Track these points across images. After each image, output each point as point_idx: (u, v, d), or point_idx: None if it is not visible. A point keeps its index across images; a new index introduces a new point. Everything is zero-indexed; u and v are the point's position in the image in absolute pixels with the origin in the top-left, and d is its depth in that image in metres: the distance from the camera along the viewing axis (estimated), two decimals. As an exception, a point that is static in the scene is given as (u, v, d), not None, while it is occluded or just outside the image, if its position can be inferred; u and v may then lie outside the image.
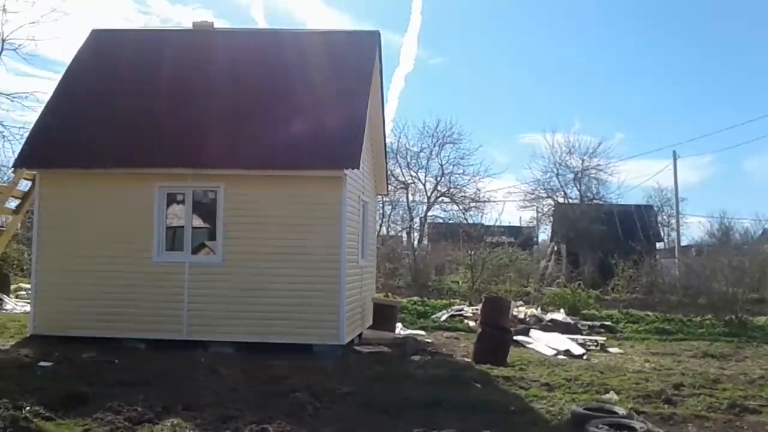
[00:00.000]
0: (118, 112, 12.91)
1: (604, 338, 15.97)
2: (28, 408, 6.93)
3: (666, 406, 8.86)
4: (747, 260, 22.76)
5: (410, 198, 35.18)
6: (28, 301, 17.30)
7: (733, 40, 72.59)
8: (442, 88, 69.90)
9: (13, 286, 19.27)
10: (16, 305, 16.80)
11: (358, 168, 12.26)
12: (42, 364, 9.88)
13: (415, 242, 35.40)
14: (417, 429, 6.85)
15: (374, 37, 14.23)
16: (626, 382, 10.25)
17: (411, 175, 34.91)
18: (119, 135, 12.56)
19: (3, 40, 12.45)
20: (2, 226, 15.27)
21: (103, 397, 7.76)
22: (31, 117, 12.89)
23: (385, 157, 16.27)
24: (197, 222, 12.66)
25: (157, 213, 12.17)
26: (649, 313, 20.60)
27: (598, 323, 18.36)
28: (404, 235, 36.10)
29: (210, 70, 13.61)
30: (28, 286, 20.02)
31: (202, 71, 13.59)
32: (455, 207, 36.58)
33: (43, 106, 13.06)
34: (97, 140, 12.51)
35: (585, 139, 44.94)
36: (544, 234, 45.89)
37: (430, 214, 36.31)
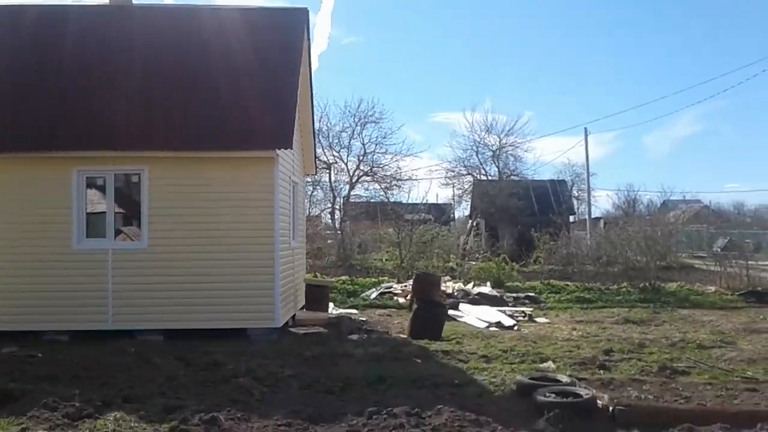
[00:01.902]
0: (29, 94, 12.09)
1: (531, 309, 16.43)
2: (-47, 410, 6.46)
3: (601, 371, 9.21)
4: (658, 230, 23.88)
5: (333, 178, 34.91)
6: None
7: (637, 21, 75.76)
8: (356, 68, 69.86)
9: None
10: None
11: (291, 148, 12.02)
12: (-42, 362, 9.23)
13: (337, 222, 35.29)
14: (370, 408, 6.79)
15: (302, 14, 13.84)
16: (559, 351, 10.59)
17: (333, 155, 34.60)
18: (33, 117, 11.80)
19: None
20: None
21: (32, 393, 7.33)
22: None
23: (314, 137, 16.03)
24: (118, 207, 12.11)
25: (76, 198, 11.56)
26: (569, 283, 21.40)
27: (522, 295, 18.87)
28: (327, 214, 35.90)
29: (130, 47, 12.85)
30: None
31: (122, 48, 12.83)
32: (377, 186, 36.70)
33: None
34: (9, 123, 11.73)
35: (501, 118, 45.94)
36: (459, 211, 46.79)
37: (352, 193, 36.22)
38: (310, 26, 14.03)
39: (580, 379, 8.29)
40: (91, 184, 11.95)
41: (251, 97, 12.24)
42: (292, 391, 8.03)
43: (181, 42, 13.20)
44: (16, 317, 11.34)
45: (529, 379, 7.78)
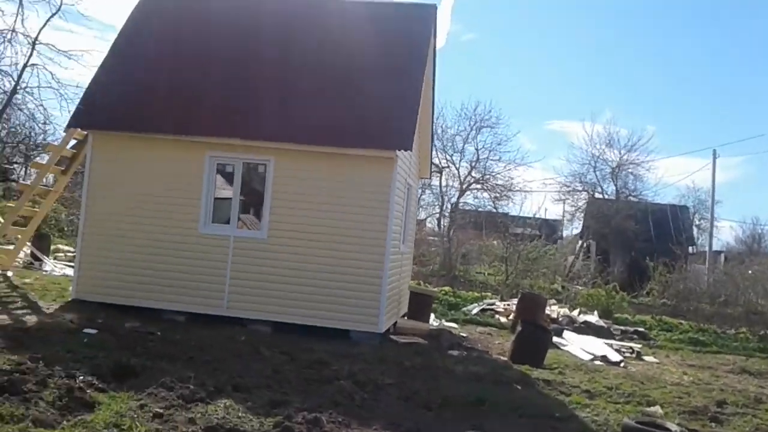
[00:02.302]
0: (171, 77, 12.82)
1: (639, 345, 15.75)
2: (81, 378, 6.96)
3: (713, 424, 8.71)
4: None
5: (443, 182, 34.60)
6: (67, 263, 17.60)
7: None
8: (473, 67, 68.54)
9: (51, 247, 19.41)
10: (55, 267, 16.91)
11: (411, 150, 12.03)
12: (87, 330, 9.95)
13: (444, 229, 35.10)
14: (468, 431, 6.76)
15: (431, 10, 13.82)
16: (668, 395, 10.10)
17: (446, 159, 34.23)
18: (172, 101, 12.47)
19: None
20: (49, 186, 15.33)
21: (151, 370, 7.79)
22: (87, 78, 12.71)
23: (432, 140, 15.97)
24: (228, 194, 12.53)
25: (207, 183, 12.09)
26: (683, 321, 20.35)
27: (631, 329, 18.13)
28: (434, 220, 35.77)
29: (263, 38, 13.32)
30: (67, 248, 20.34)
31: (256, 39, 13.33)
32: (486, 195, 36.07)
33: (97, 67, 12.96)
34: (150, 105, 12.45)
35: (622, 132, 43.75)
36: (568, 229, 45.23)
37: (461, 200, 35.78)
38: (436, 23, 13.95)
39: (689, 430, 7.89)
40: (219, 170, 12.45)
41: (375, 95, 12.33)
42: (392, 401, 8.10)
43: (312, 36, 13.53)
44: (139, 293, 11.98)
45: (636, 422, 7.46)
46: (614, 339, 16.35)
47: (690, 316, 21.27)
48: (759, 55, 72.80)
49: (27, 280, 14.09)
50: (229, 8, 14.11)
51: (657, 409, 9.06)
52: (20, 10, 11.92)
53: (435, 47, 14.14)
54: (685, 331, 18.90)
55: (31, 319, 10.36)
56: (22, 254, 16.12)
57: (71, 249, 20.08)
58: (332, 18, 13.79)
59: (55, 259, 18.19)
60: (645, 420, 7.75)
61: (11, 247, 15.22)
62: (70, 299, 12.22)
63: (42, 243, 17.40)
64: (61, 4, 12.25)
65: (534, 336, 11.89)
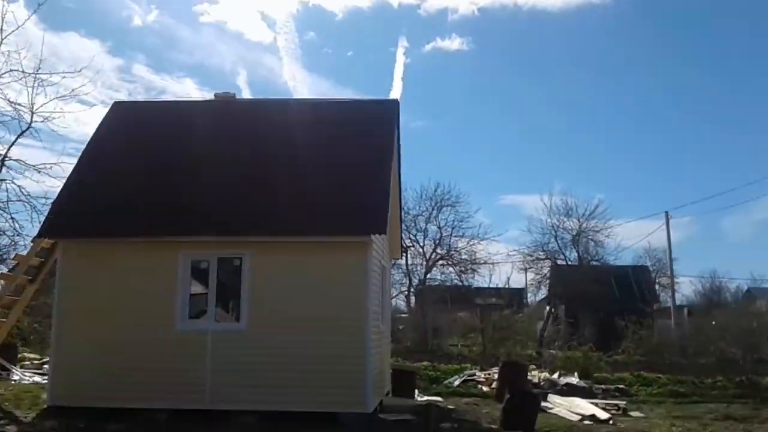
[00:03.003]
0: (142, 181, 12.99)
1: (623, 402, 15.84)
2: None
3: (712, 471, 8.78)
4: (753, 321, 22.85)
5: (409, 261, 35.06)
6: (35, 371, 17.04)
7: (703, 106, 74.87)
8: (424, 151, 71.28)
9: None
10: (23, 375, 16.37)
11: (385, 233, 12.30)
12: (69, 437, 9.61)
13: (413, 306, 35.22)
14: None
15: (393, 105, 14.54)
16: (663, 447, 10.16)
17: (410, 238, 34.87)
18: (143, 204, 12.58)
19: (32, 112, 12.49)
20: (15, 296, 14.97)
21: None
22: (56, 189, 12.73)
23: (401, 223, 16.35)
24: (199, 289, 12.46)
25: (182, 281, 12.07)
26: (660, 375, 20.56)
27: (612, 387, 18.27)
28: (403, 297, 35.92)
29: (232, 139, 13.79)
30: (32, 355, 19.73)
31: (225, 140, 13.76)
32: (451, 269, 36.55)
33: (66, 177, 13.03)
34: (120, 210, 12.50)
35: (580, 202, 45.14)
36: (537, 296, 45.71)
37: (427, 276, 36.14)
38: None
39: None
40: (193, 266, 12.39)
41: (347, 185, 12.71)
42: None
43: (281, 133, 14.01)
44: (117, 394, 11.61)
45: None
46: (597, 398, 16.44)
47: (665, 369, 21.51)
48: (704, 116, 76.72)
49: (-2, 391, 13.59)
50: (201, 114, 14.52)
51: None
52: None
53: (399, 137, 14.80)
54: (664, 385, 19.13)
55: (12, 429, 9.97)
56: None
57: (37, 357, 19.51)
58: (302, 117, 14.36)
59: (22, 367, 17.64)
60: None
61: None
62: (45, 406, 11.81)
63: (9, 353, 16.89)
64: (30, 123, 12.40)
65: (523, 402, 11.88)
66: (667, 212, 37.89)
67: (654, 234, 69.45)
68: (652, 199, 75.58)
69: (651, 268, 45.28)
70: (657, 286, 44.16)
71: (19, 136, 12.67)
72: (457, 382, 18.43)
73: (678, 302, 40.64)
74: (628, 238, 69.38)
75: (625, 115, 77.88)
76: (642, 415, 14.54)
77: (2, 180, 12.37)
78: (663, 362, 22.48)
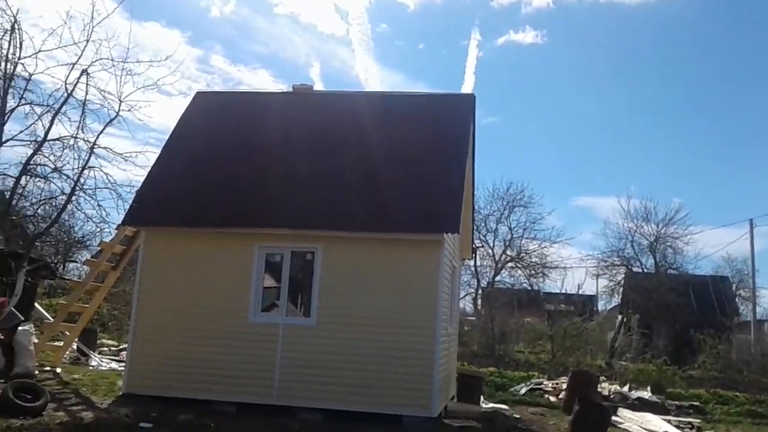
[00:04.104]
0: (221, 171, 13.27)
1: (698, 420, 15.23)
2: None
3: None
4: None
5: (478, 262, 34.59)
6: (112, 357, 17.71)
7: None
8: (494, 148, 70.17)
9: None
10: (101, 361, 17.02)
11: (458, 232, 12.15)
12: (143, 425, 9.94)
13: (480, 309, 34.79)
14: None
15: (469, 99, 14.36)
16: (740, 473, 9.71)
17: (480, 239, 34.35)
18: (222, 195, 12.84)
19: (120, 101, 12.93)
20: (98, 282, 15.61)
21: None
22: (140, 177, 13.14)
23: (473, 222, 16.12)
24: (270, 282, 12.58)
25: (256, 273, 12.25)
26: (738, 393, 19.68)
27: (686, 403, 17.59)
28: (470, 300, 35.55)
29: (309, 131, 13.92)
30: (111, 342, 20.51)
31: (302, 132, 13.90)
32: (521, 272, 35.89)
33: (150, 167, 13.45)
34: (201, 200, 12.81)
35: (660, 206, 43.41)
36: (609, 303, 44.38)
37: (495, 279, 35.62)
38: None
39: None
40: (268, 260, 12.59)
41: (421, 181, 12.61)
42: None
43: (356, 126, 14.07)
44: (190, 385, 11.93)
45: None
46: (670, 414, 15.88)
47: (744, 387, 20.58)
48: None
49: (76, 376, 14.19)
50: (280, 106, 14.74)
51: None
52: (82, 117, 12.56)
53: (474, 133, 14.56)
54: (741, 404, 18.29)
55: (88, 415, 10.38)
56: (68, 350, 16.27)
57: (115, 343, 20.25)
58: (376, 109, 14.37)
59: (100, 353, 18.31)
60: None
61: (60, 343, 15.38)
62: (120, 393, 12.24)
63: (88, 338, 17.55)
64: (118, 111, 12.83)
65: (593, 415, 11.56)
66: (751, 220, 36.04)
67: (736, 243, 66.86)
68: (736, 206, 71.96)
69: (731, 279, 43.37)
70: (737, 299, 42.21)
71: (107, 125, 13.14)
72: (523, 390, 18.11)
73: (759, 316, 38.78)
74: (708, 246, 66.64)
75: (708, 116, 74.73)
76: (718, 435, 13.95)
77: (91, 167, 12.86)
78: (742, 379, 21.51)
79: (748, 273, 38.82)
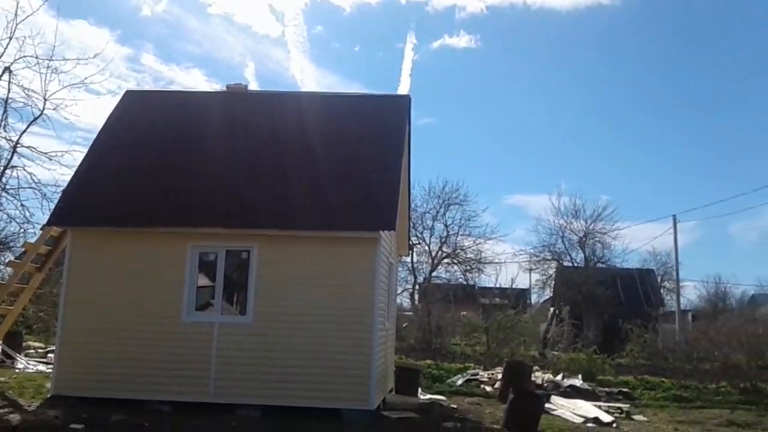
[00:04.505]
0: (152, 171, 12.99)
1: (627, 405, 15.81)
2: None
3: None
4: (759, 327, 22.75)
5: (414, 259, 35.04)
6: (39, 359, 17.09)
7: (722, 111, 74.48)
8: (432, 148, 71.39)
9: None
10: (28, 364, 16.42)
11: (395, 229, 12.25)
12: (73, 426, 9.65)
13: (417, 304, 35.20)
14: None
15: (405, 100, 14.51)
16: (666, 452, 10.14)
17: (416, 236, 34.81)
18: (153, 194, 12.58)
19: (45, 99, 12.47)
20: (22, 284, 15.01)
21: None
22: (66, 177, 12.75)
23: (409, 219, 16.30)
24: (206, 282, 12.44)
25: (189, 273, 12.05)
26: (664, 379, 20.52)
27: (615, 390, 18.23)
28: (407, 296, 35.92)
29: (243, 130, 13.78)
30: (37, 344, 19.79)
31: (236, 132, 13.76)
32: (457, 268, 36.57)
33: (77, 166, 13.03)
34: (131, 199, 12.51)
35: (589, 203, 45.04)
36: (541, 297, 45.64)
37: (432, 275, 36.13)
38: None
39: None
40: (201, 258, 12.39)
41: (358, 180, 12.69)
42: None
43: (291, 126, 13.97)
44: (121, 385, 11.64)
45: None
46: (600, 400, 16.41)
47: (669, 373, 21.46)
48: (716, 119, 76.28)
49: (1, 379, 13.69)
50: (213, 105, 14.51)
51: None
52: (4, 116, 12.04)
53: (410, 133, 14.73)
54: (668, 389, 19.07)
55: (15, 417, 10.01)
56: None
57: (42, 345, 19.57)
58: (312, 109, 14.35)
59: (26, 356, 17.68)
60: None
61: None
62: (49, 395, 11.83)
63: (14, 341, 16.93)
64: (42, 110, 12.37)
65: (526, 403, 11.86)
66: (674, 216, 37.76)
67: (661, 238, 69.76)
68: (661, 202, 75.23)
69: (657, 272, 45.16)
70: (662, 290, 44.02)
71: (31, 123, 12.71)
72: (460, 381, 18.41)
73: (683, 306, 40.52)
74: (635, 241, 69.34)
75: (634, 116, 77.62)
76: (645, 419, 14.51)
77: (14, 167, 12.37)
78: (667, 366, 22.43)
79: (673, 266, 40.58)
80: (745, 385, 19.64)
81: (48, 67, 12.38)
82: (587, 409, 14.16)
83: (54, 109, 12.58)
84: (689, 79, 76.66)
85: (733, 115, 75.10)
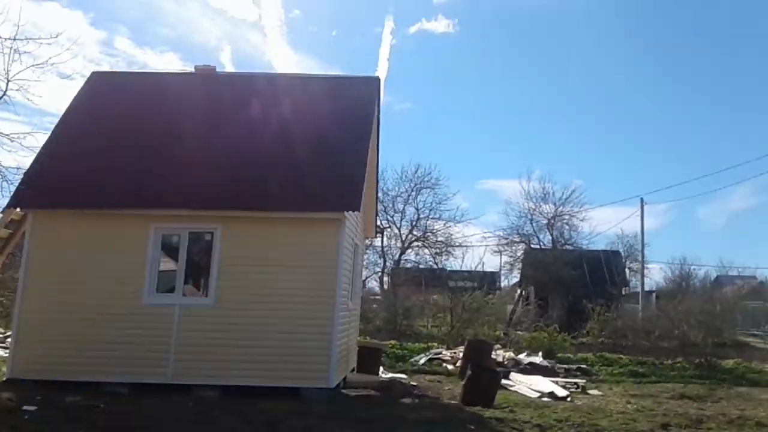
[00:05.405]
0: (116, 152, 12.94)
1: (583, 381, 16.23)
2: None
3: (659, 446, 9.08)
4: (717, 306, 23.37)
5: (385, 242, 35.23)
6: (-1, 344, 16.93)
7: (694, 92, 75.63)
8: (408, 133, 71.44)
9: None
10: (-14, 348, 16.28)
11: (360, 211, 12.33)
12: (26, 408, 9.63)
13: (386, 286, 35.46)
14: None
15: (374, 82, 14.59)
16: (615, 423, 10.49)
17: (387, 219, 35.01)
18: (116, 175, 12.52)
19: (8, 80, 12.22)
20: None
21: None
22: (29, 159, 12.55)
23: (376, 202, 16.40)
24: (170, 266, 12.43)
25: (151, 254, 12.04)
26: (622, 356, 21.04)
27: (574, 366, 18.67)
28: (376, 279, 36.14)
29: (210, 111, 13.76)
30: (-4, 328, 19.55)
31: (203, 113, 13.72)
32: (427, 251, 36.85)
33: (39, 148, 12.88)
34: (93, 181, 12.44)
35: (560, 187, 45.52)
36: (509, 279, 46.23)
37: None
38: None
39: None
40: (164, 240, 12.37)
41: (323, 161, 12.75)
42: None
43: (258, 107, 13.98)
44: (80, 368, 11.63)
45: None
46: (559, 377, 16.82)
47: (628, 351, 22.01)
48: (680, 104, 77.47)
49: (-41, 364, 13.48)
50: (177, 85, 14.48)
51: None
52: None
53: (379, 115, 14.82)
54: (625, 365, 19.59)
55: (-33, 402, 9.96)
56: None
57: (2, 330, 19.35)
58: (282, 91, 14.39)
59: (-16, 339, 17.51)
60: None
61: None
62: (4, 379, 11.77)
63: (-27, 326, 16.73)
64: (5, 90, 12.10)
65: (483, 378, 12.13)
66: (642, 198, 38.39)
67: (630, 220, 70.90)
68: (630, 185, 76.47)
69: (623, 254, 45.92)
70: (627, 271, 44.83)
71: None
72: (422, 361, 18.69)
73: (648, 287, 41.38)
74: (603, 224, 70.46)
75: (604, 101, 78.52)
76: (600, 393, 14.93)
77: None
78: (626, 344, 22.99)
79: (638, 248, 41.34)
80: (699, 360, 20.26)
81: (11, 47, 12.08)
82: (544, 384, 14.53)
83: (17, 90, 12.30)
84: (657, 62, 77.60)
85: (705, 97, 76.31)
